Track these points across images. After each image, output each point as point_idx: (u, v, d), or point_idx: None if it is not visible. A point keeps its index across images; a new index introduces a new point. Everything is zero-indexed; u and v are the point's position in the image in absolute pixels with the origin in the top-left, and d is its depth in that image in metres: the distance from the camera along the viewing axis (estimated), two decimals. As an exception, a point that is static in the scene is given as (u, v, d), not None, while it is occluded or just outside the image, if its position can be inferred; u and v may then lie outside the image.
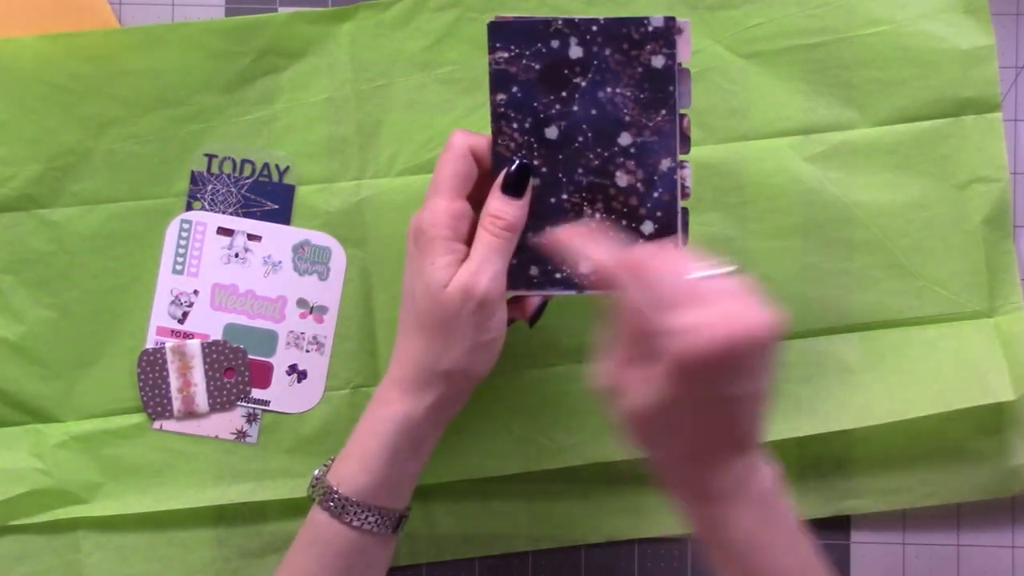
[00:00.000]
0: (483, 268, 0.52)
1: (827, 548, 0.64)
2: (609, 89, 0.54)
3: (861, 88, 0.62)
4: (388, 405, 0.54)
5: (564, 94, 0.55)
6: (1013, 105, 0.64)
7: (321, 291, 0.63)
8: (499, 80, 0.55)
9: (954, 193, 0.62)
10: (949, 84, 0.62)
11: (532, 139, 0.55)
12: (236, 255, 0.62)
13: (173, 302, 0.62)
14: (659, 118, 0.54)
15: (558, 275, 0.56)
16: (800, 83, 0.62)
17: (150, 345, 0.62)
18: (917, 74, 0.62)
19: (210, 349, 0.62)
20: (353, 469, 0.54)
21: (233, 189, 0.61)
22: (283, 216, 0.62)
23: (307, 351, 0.63)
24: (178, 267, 0.62)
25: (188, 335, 0.62)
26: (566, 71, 0.54)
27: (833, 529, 0.64)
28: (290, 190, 0.62)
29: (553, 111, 0.55)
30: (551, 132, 0.55)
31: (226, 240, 0.62)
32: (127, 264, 0.62)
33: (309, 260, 0.63)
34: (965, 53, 0.62)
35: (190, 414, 0.62)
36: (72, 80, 0.61)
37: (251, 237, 0.62)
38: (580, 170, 0.55)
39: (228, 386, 0.62)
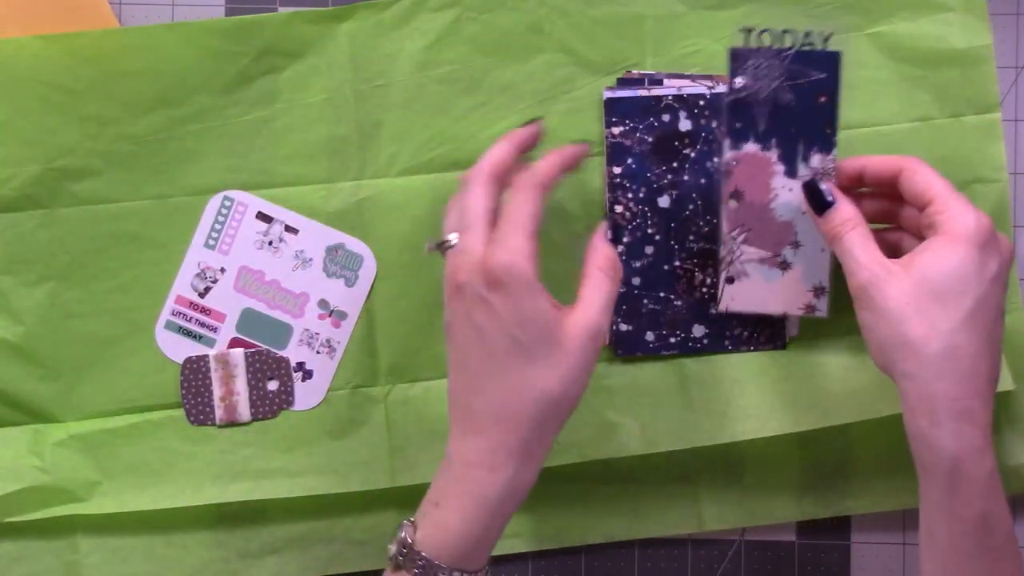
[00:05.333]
0: (607, 312, 0.51)
1: (827, 548, 0.64)
2: (716, 158, 0.60)
3: (860, 88, 0.62)
4: (495, 470, 0.50)
5: (675, 164, 0.60)
6: (1013, 105, 0.64)
7: (345, 296, 0.63)
8: (615, 152, 0.58)
9: (953, 193, 0.62)
10: (948, 84, 0.62)
11: (646, 208, 0.60)
12: (270, 243, 0.62)
13: (198, 275, 0.62)
14: None
15: (672, 339, 0.61)
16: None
17: (167, 314, 0.62)
18: (916, 74, 0.62)
19: (253, 358, 0.62)
20: (453, 539, 0.50)
21: (776, 61, 0.56)
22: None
23: (318, 352, 0.63)
24: (211, 242, 0.62)
25: (205, 310, 0.62)
26: (676, 143, 0.60)
27: (833, 529, 0.64)
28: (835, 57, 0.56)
29: (665, 181, 0.60)
30: (663, 201, 0.60)
31: (264, 226, 0.62)
32: (127, 264, 0.62)
33: (340, 264, 0.63)
34: (964, 53, 0.62)
35: (232, 423, 0.62)
36: (72, 80, 0.61)
37: (288, 228, 0.62)
38: (691, 237, 0.58)
39: (271, 396, 0.62)
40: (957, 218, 0.51)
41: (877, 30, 0.62)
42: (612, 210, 0.59)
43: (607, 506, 0.64)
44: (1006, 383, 0.60)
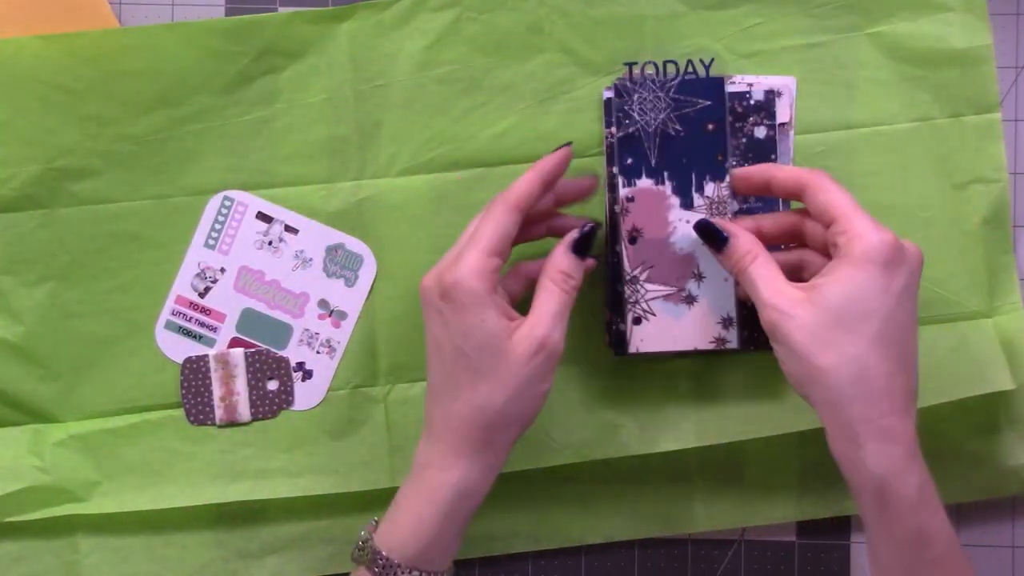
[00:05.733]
0: (558, 322, 0.52)
1: (827, 548, 0.64)
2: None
3: (861, 88, 0.62)
4: (445, 470, 0.52)
5: None
6: (1013, 105, 0.64)
7: (345, 296, 0.63)
8: (614, 153, 0.59)
9: (953, 193, 0.62)
10: (948, 84, 0.62)
11: None
12: (270, 243, 0.62)
13: (198, 275, 0.62)
14: None
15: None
16: (800, 83, 0.62)
17: (167, 314, 0.62)
18: (916, 74, 0.62)
19: (253, 358, 0.62)
20: (405, 535, 0.52)
21: (660, 94, 0.57)
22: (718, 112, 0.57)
23: (318, 352, 0.63)
24: (211, 241, 0.62)
25: (205, 310, 0.62)
26: None
27: (833, 529, 0.64)
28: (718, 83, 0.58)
29: None
30: None
31: (263, 226, 0.62)
32: (127, 264, 0.62)
33: (340, 264, 0.63)
34: (964, 52, 0.62)
35: (232, 423, 0.62)
36: (72, 80, 0.61)
37: (288, 228, 0.62)
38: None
39: (271, 396, 0.62)
40: (857, 239, 0.50)
41: (877, 30, 0.62)
42: (612, 210, 0.59)
43: (607, 506, 0.64)
44: (1006, 383, 0.60)
